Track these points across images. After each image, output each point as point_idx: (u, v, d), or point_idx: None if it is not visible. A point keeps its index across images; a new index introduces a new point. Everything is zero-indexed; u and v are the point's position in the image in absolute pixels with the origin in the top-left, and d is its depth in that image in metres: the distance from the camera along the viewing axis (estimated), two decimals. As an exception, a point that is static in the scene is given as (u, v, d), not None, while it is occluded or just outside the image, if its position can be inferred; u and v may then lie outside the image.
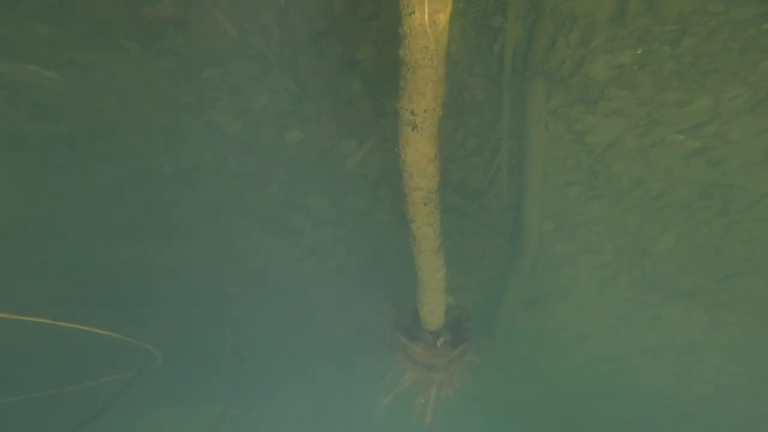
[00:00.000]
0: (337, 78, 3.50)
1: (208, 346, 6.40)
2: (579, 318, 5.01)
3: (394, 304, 4.26)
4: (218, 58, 3.31)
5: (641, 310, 4.64)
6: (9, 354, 5.69)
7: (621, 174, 3.43)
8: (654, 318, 4.67)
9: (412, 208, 2.28)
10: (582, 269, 4.36)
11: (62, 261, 4.64)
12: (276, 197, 4.27)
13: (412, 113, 1.83)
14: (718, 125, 2.89)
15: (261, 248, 4.72)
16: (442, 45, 1.69)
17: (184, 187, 4.16)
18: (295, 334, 6.24)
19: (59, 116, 3.35)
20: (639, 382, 6.14)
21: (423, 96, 1.74)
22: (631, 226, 3.79)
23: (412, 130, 1.91)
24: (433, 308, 2.98)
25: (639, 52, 2.70)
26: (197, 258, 4.87)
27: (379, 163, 4.05)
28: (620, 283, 4.36)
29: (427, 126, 1.88)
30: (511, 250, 4.39)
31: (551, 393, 7.17)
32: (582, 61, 2.89)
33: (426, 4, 1.53)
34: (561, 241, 4.18)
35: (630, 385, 6.19)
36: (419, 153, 2.01)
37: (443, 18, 1.61)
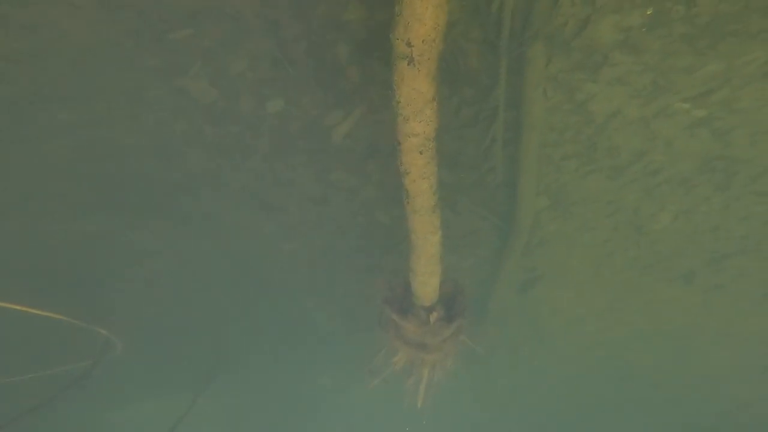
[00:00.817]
0: (324, 42, 3.26)
1: (181, 333, 6.18)
2: (572, 301, 4.93)
3: (384, 279, 4.09)
4: (188, 18, 3.04)
5: (635, 293, 4.57)
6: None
7: (620, 146, 3.29)
8: (647, 301, 4.62)
9: (406, 157, 2.05)
10: (577, 249, 4.26)
11: (9, 239, 4.34)
12: (257, 171, 4.03)
13: (409, 44, 1.57)
14: (728, 92, 2.75)
15: (240, 226, 4.49)
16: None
17: (152, 159, 3.89)
18: (278, 320, 6.05)
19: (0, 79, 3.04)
20: (631, 369, 6.15)
21: (422, 23, 1.50)
22: (628, 202, 3.67)
23: (408, 64, 1.65)
24: (427, 279, 2.78)
25: (649, 12, 2.53)
26: (168, 237, 4.61)
27: (367, 135, 3.84)
28: (615, 264, 4.27)
29: (425, 60, 1.63)
30: (505, 228, 4.25)
31: (543, 381, 7.17)
32: (587, 21, 2.70)
33: None
34: (556, 218, 4.05)
35: (622, 371, 6.20)
36: (416, 92, 1.76)
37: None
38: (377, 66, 3.32)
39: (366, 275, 4.93)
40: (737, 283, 4.09)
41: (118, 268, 4.94)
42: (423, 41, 1.57)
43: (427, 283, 2.82)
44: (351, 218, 4.32)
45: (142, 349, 6.31)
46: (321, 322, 5.98)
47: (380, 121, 3.73)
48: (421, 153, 2.01)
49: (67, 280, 4.97)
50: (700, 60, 2.64)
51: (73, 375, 6.00)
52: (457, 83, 3.39)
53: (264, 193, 4.17)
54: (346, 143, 3.84)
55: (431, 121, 1.92)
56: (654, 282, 4.28)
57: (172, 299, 5.61)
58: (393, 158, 3.91)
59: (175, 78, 3.34)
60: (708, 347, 5.21)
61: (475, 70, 3.28)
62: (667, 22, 2.55)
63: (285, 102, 3.68)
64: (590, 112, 3.18)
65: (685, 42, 2.61)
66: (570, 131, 3.38)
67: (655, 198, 3.53)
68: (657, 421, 7.87)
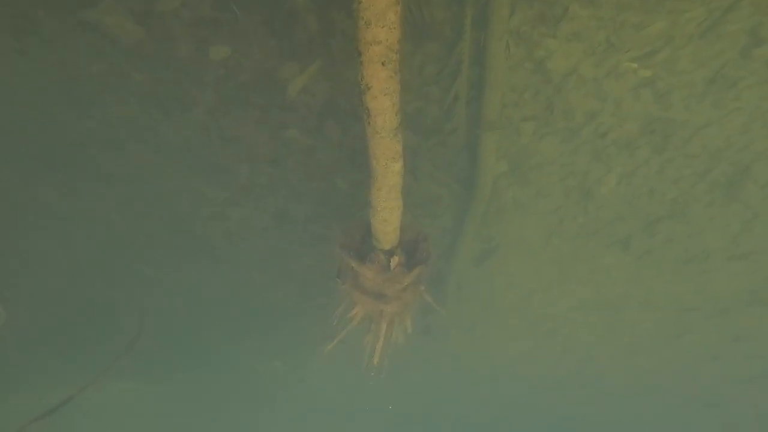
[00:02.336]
0: (281, -21, 3.07)
1: (108, 313, 5.47)
2: (526, 273, 5.13)
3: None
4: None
5: (580, 262, 4.87)
6: None
7: (575, 108, 3.48)
8: (590, 271, 4.95)
9: (367, 70, 1.92)
10: (531, 217, 4.44)
11: None
12: (200, 126, 3.67)
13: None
14: (670, 51, 3.02)
15: (182, 189, 4.06)
16: None
17: (58, 105, 3.38)
18: (226, 296, 5.57)
19: None
20: (569, 342, 6.56)
21: None
22: (579, 165, 3.90)
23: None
24: (388, 216, 2.62)
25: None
26: (89, 198, 4.04)
27: (327, 91, 3.68)
28: (565, 232, 4.51)
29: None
30: (465, 196, 4.31)
31: (494, 359, 7.40)
32: (549, -27, 2.82)
33: None
34: (513, 184, 4.19)
35: (563, 344, 6.59)
36: (377, -10, 1.67)
37: None
38: (339, 15, 3.19)
39: (323, 246, 4.72)
40: (665, 248, 4.52)
41: (17, 229, 4.23)
42: None
43: (387, 221, 2.64)
44: (307, 183, 4.10)
45: (40, 326, 5.46)
46: (273, 299, 5.61)
47: (341, 76, 3.59)
48: (383, 65, 1.91)
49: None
50: (649, 17, 2.88)
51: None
52: (421, 38, 3.37)
53: (208, 152, 3.81)
54: (303, 99, 3.65)
55: (395, 27, 1.83)
56: (596, 249, 4.59)
57: (86, 269, 4.91)
58: (355, 118, 3.79)
59: (78, 11, 2.92)
60: (634, 317, 5.71)
61: (439, 22, 3.28)
62: (622, -22, 2.74)
63: (231, 49, 3.41)
64: (549, 70, 3.32)
65: (637, -1, 2.82)
66: (529, 91, 3.51)
67: (603, 160, 3.79)
68: (588, 393, 8.51)
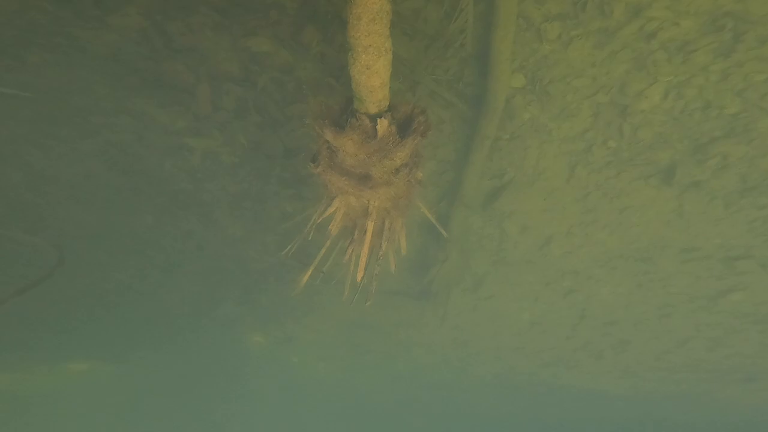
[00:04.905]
0: None
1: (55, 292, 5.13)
2: (543, 214, 4.61)
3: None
4: None
5: (608, 200, 4.31)
6: None
7: (615, 0, 2.84)
8: (620, 210, 4.38)
9: None
10: (552, 144, 3.85)
11: None
12: (137, 31, 3.11)
13: None
14: None
15: (124, 112, 3.54)
16: None
17: None
18: (191, 253, 5.14)
19: None
20: (590, 305, 6.08)
21: None
22: (615, 76, 3.27)
23: None
24: (372, 61, 2.00)
25: None
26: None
27: None
28: (592, 161, 3.93)
29: None
30: (472, 116, 3.75)
31: (499, 330, 6.95)
32: None
33: None
34: (531, 103, 3.59)
35: (582, 308, 6.11)
36: None
37: None
38: None
39: (306, 188, 4.20)
40: (716, 178, 3.89)
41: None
42: None
43: (371, 68, 2.01)
44: (284, 107, 3.55)
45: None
46: (247, 255, 5.13)
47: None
48: None
49: None
50: None
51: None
52: None
53: (152, 66, 3.24)
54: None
55: None
56: (630, 181, 4.01)
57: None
58: (341, 23, 3.19)
59: None
60: (670, 270, 5.15)
61: None
62: None
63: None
64: None
65: None
66: None
67: (647, 69, 3.14)
68: (605, 368, 8.08)
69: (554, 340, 7.33)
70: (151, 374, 8.02)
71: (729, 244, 4.56)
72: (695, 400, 9.72)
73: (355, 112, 2.33)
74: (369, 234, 2.72)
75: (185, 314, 6.69)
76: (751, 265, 4.66)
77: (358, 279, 2.67)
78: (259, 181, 4.23)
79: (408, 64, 3.36)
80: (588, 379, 9.07)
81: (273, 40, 3.26)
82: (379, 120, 2.25)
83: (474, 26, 3.19)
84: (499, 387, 10.21)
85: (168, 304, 6.43)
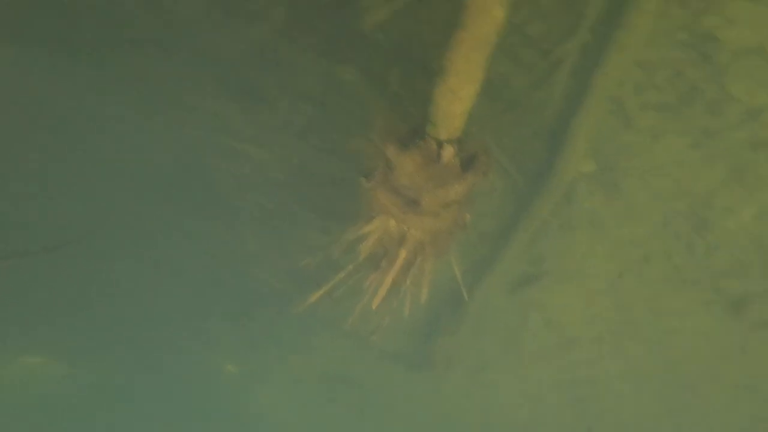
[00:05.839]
0: None
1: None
2: (573, 313, 4.09)
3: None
4: None
5: (654, 316, 3.79)
6: None
7: (735, 100, 2.46)
8: (667, 331, 3.84)
9: None
10: (606, 241, 3.40)
11: None
12: (258, 44, 2.91)
13: None
14: None
15: (211, 113, 3.18)
16: None
17: None
18: (190, 263, 4.61)
19: None
20: (601, 421, 5.41)
21: None
22: (704, 183, 2.87)
23: None
24: (459, 86, 1.98)
25: None
26: None
27: (407, 30, 2.73)
28: (649, 272, 3.46)
29: None
30: (527, 194, 3.32)
31: (494, 420, 6.24)
32: None
33: None
34: (596, 192, 3.16)
35: (591, 420, 5.45)
36: None
37: None
38: None
39: (338, 226, 3.78)
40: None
41: None
42: None
43: (456, 94, 2.00)
44: (342, 138, 3.24)
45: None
46: (252, 279, 4.59)
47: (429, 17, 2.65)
48: None
49: None
50: None
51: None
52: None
53: (245, 72, 2.99)
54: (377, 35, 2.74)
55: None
56: (688, 304, 3.53)
57: None
58: (426, 73, 2.91)
59: None
60: (714, 407, 4.52)
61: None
62: None
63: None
64: (716, 41, 2.31)
65: None
66: (669, 69, 2.51)
67: (746, 182, 2.75)
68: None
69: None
70: (105, 380, 7.35)
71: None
72: None
73: (424, 134, 2.33)
74: (399, 263, 2.60)
75: (162, 323, 6.12)
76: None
77: (373, 306, 2.66)
78: (295, 205, 3.91)
79: (478, 121, 2.97)
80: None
81: (359, 71, 2.99)
82: (445, 145, 2.25)
83: (558, 101, 2.83)
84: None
85: (148, 308, 5.91)
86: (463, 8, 1.90)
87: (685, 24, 2.36)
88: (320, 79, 3.02)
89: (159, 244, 4.75)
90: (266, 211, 4.11)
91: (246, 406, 7.06)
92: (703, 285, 3.33)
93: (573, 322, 4.20)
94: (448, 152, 2.26)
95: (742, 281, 3.22)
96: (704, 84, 2.49)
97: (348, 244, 2.82)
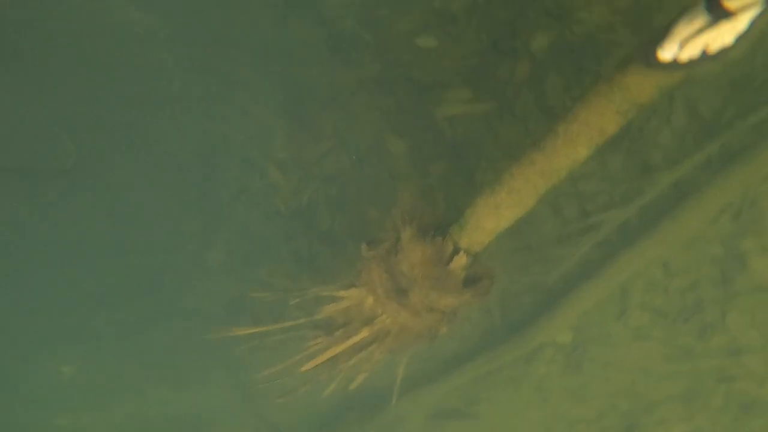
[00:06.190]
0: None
1: None
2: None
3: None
4: None
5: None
6: None
7: (730, 329, 2.62)
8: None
9: None
10: (543, 410, 3.30)
11: None
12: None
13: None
14: None
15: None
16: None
17: None
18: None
19: None
20: None
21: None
22: (654, 394, 2.98)
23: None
24: (503, 205, 1.99)
25: None
26: None
27: (474, 130, 2.51)
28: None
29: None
30: (497, 336, 3.12)
31: None
32: None
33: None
34: (556, 362, 3.12)
35: None
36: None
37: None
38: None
39: (332, 287, 3.15)
40: None
41: None
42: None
43: (498, 209, 1.98)
44: (363, 204, 2.92)
45: None
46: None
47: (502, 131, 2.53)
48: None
49: None
50: None
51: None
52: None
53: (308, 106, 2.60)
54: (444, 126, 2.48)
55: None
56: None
57: None
58: (473, 188, 2.72)
59: None
60: None
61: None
62: None
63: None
64: (744, 266, 2.42)
65: None
66: (687, 279, 2.58)
67: (693, 404, 2.90)
68: None
69: None
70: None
71: None
72: None
73: (446, 233, 2.27)
74: (355, 340, 2.42)
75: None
76: None
77: (302, 369, 2.44)
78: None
79: (496, 248, 2.79)
80: None
81: (409, 149, 2.78)
82: (461, 253, 2.19)
83: (572, 266, 2.79)
84: None
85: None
86: (551, 133, 1.82)
87: (726, 239, 2.45)
88: (369, 138, 2.74)
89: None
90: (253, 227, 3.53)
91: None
92: None
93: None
94: (460, 261, 2.20)
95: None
96: (710, 305, 2.59)
97: (313, 299, 2.61)
